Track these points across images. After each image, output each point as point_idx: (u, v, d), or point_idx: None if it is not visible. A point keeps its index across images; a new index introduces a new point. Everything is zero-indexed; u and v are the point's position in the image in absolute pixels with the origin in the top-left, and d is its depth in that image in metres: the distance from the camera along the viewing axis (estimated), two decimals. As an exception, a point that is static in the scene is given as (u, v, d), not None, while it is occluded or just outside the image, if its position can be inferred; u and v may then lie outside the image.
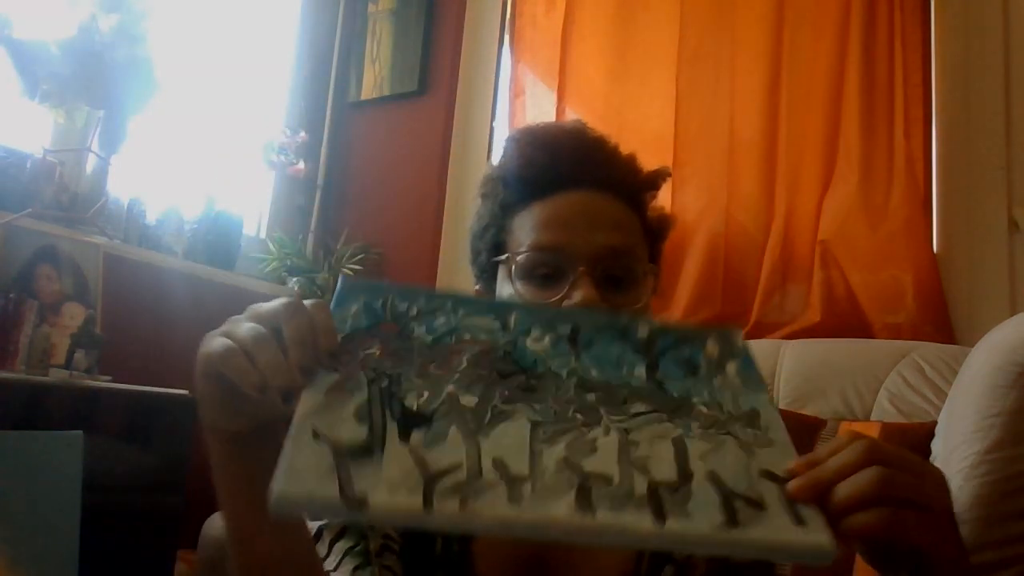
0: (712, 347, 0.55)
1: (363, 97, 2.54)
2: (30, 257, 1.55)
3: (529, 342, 0.53)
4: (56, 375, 1.47)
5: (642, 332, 0.55)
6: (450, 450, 0.44)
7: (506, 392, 0.49)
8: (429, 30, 2.45)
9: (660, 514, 0.43)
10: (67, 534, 0.99)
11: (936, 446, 1.02)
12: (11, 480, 0.96)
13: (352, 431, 0.45)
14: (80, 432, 1.03)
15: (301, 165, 2.40)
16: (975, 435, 0.88)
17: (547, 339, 0.54)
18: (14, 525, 0.94)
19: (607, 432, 0.48)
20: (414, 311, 0.53)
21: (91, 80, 1.73)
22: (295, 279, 2.29)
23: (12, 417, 1.28)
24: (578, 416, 0.49)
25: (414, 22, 2.46)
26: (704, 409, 0.51)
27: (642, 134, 1.97)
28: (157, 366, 1.80)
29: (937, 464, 0.97)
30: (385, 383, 0.48)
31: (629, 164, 0.80)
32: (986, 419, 0.88)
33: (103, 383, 1.52)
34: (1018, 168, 1.63)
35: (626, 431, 0.48)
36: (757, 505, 0.44)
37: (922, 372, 1.26)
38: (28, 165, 1.75)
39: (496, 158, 0.83)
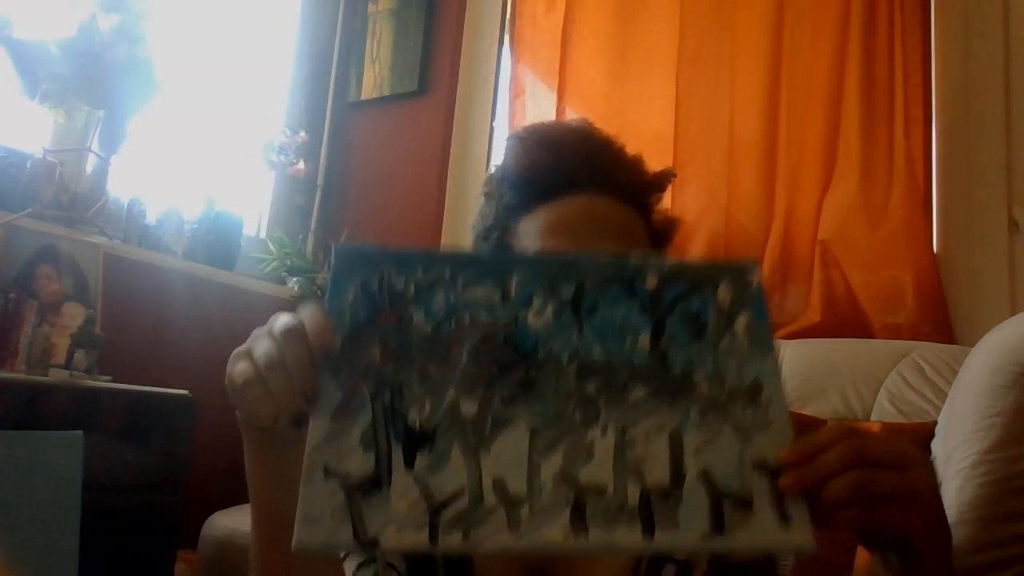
0: (724, 293, 0.53)
1: (363, 97, 2.54)
2: (30, 257, 1.55)
3: (531, 317, 0.52)
4: (56, 375, 1.47)
5: (650, 283, 0.54)
6: (452, 474, 0.47)
7: (506, 392, 0.50)
8: (429, 30, 2.45)
9: (649, 527, 0.46)
10: (67, 534, 0.99)
11: (936, 446, 1.02)
12: (11, 480, 0.96)
13: (360, 463, 0.48)
14: (80, 432, 1.03)
15: (301, 165, 2.40)
16: (975, 435, 0.88)
17: (549, 309, 0.52)
18: (14, 525, 0.94)
19: (604, 432, 0.49)
20: (411, 290, 0.53)
21: (91, 80, 1.74)
22: (295, 279, 2.29)
23: (12, 417, 1.28)
24: (576, 414, 0.49)
25: (414, 22, 2.46)
26: (705, 387, 0.51)
27: (642, 134, 1.97)
28: (157, 366, 1.80)
29: (937, 464, 0.97)
30: (387, 397, 0.49)
31: (635, 166, 0.79)
32: (986, 419, 0.88)
33: (103, 383, 1.52)
34: (1018, 168, 1.63)
35: (623, 429, 0.49)
36: (745, 504, 0.47)
37: (922, 372, 1.26)
38: (28, 165, 1.76)
39: (500, 156, 0.81)
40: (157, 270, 1.94)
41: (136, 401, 1.50)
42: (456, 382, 0.50)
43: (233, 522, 1.62)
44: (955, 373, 1.10)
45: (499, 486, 0.47)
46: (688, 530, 0.46)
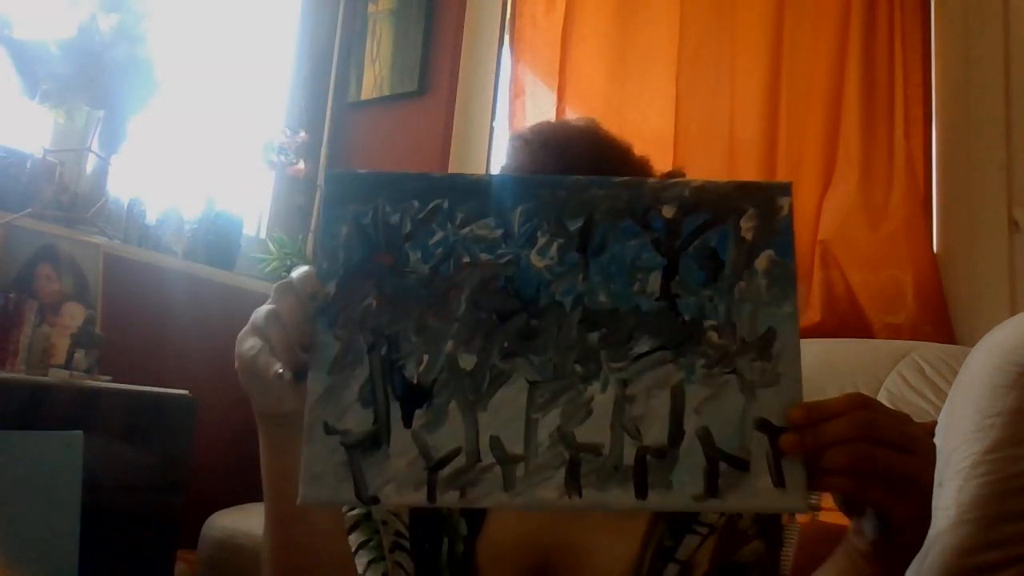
0: (749, 223, 0.50)
1: (363, 97, 2.54)
2: (30, 257, 1.55)
3: (533, 256, 0.49)
4: (56, 375, 1.47)
5: (667, 213, 0.49)
6: (450, 432, 0.48)
7: (505, 344, 0.49)
8: (429, 30, 2.45)
9: (643, 488, 0.46)
10: (67, 534, 0.99)
11: (936, 446, 1.02)
12: (11, 480, 0.96)
13: (359, 420, 0.48)
14: (80, 432, 1.03)
15: (301, 165, 2.40)
16: (975, 435, 0.88)
17: (554, 248, 0.49)
18: (14, 525, 0.94)
19: (604, 388, 0.48)
20: (407, 225, 0.50)
21: (91, 80, 1.73)
22: (295, 279, 2.29)
23: (12, 417, 1.28)
24: (577, 368, 0.48)
25: (414, 22, 2.46)
26: (715, 336, 0.48)
27: (642, 134, 1.97)
28: (157, 366, 1.80)
29: (937, 464, 0.97)
30: (384, 350, 0.49)
31: (642, 168, 0.78)
32: (986, 419, 0.88)
33: (103, 383, 1.52)
34: (1018, 168, 1.63)
35: (624, 383, 0.48)
36: (742, 465, 0.47)
37: (922, 372, 1.26)
38: (28, 165, 1.75)
39: (502, 156, 0.80)
40: (157, 270, 1.94)
41: (136, 401, 1.50)
42: (454, 333, 0.49)
43: (233, 522, 1.62)
44: (955, 373, 1.10)
45: (496, 444, 0.47)
46: (681, 491, 0.46)
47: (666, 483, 0.46)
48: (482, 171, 2.33)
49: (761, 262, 0.49)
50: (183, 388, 1.56)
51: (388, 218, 0.50)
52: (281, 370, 0.49)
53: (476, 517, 0.71)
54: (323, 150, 2.55)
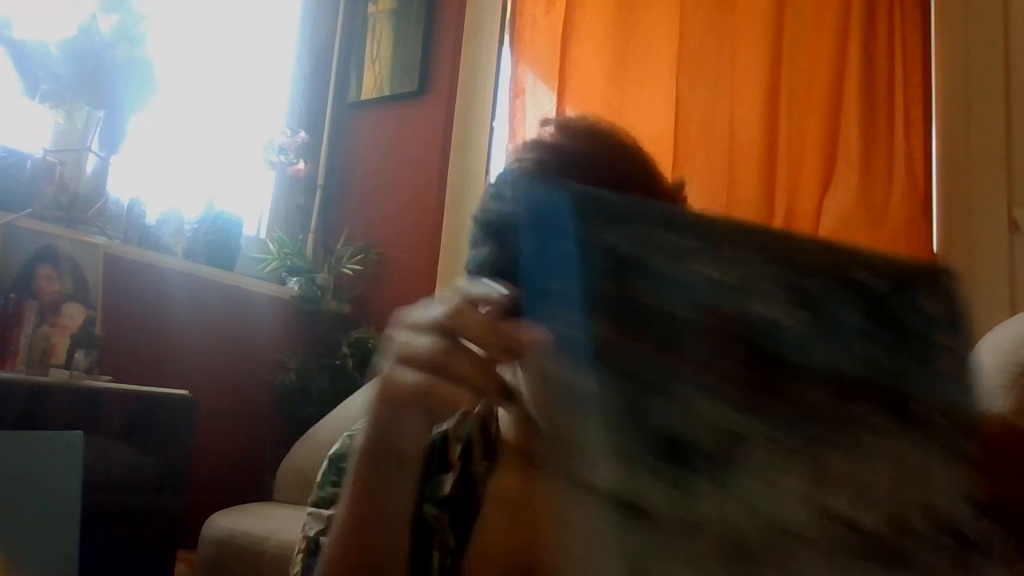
0: (933, 303, 0.49)
1: (363, 97, 2.54)
2: (30, 257, 1.55)
3: (777, 311, 0.45)
4: (56, 375, 1.47)
5: (868, 279, 0.47)
6: (709, 498, 0.40)
7: (753, 401, 0.43)
8: (429, 30, 2.45)
9: (900, 568, 0.43)
10: (67, 534, 0.99)
11: (936, 446, 1.02)
12: (11, 480, 0.96)
13: (615, 477, 0.39)
14: (80, 432, 1.03)
15: (301, 165, 2.40)
16: (975, 435, 0.88)
17: (792, 307, 0.46)
18: (14, 525, 0.94)
19: (854, 458, 0.44)
20: (653, 261, 0.44)
21: (91, 80, 1.74)
22: (295, 279, 2.29)
23: (12, 417, 1.28)
24: (829, 436, 0.44)
25: (414, 22, 2.46)
26: (935, 415, 0.46)
27: (642, 134, 1.95)
28: (157, 366, 1.80)
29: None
30: (628, 390, 0.41)
31: (667, 184, 0.75)
32: (986, 419, 0.88)
33: (103, 383, 1.52)
34: (1018, 168, 1.63)
35: (869, 455, 0.44)
36: (983, 549, 0.44)
37: (922, 372, 1.26)
38: (28, 165, 1.75)
39: (537, 149, 0.69)
40: (157, 270, 1.94)
41: (136, 401, 1.50)
42: (702, 383, 0.42)
43: (233, 522, 1.62)
44: (955, 373, 1.10)
45: (767, 520, 0.41)
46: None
47: (927, 569, 0.43)
48: (482, 171, 2.33)
49: (949, 340, 0.48)
50: (183, 388, 1.56)
51: (632, 248, 0.44)
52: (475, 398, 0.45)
53: (463, 530, 0.70)
54: (323, 150, 2.55)
